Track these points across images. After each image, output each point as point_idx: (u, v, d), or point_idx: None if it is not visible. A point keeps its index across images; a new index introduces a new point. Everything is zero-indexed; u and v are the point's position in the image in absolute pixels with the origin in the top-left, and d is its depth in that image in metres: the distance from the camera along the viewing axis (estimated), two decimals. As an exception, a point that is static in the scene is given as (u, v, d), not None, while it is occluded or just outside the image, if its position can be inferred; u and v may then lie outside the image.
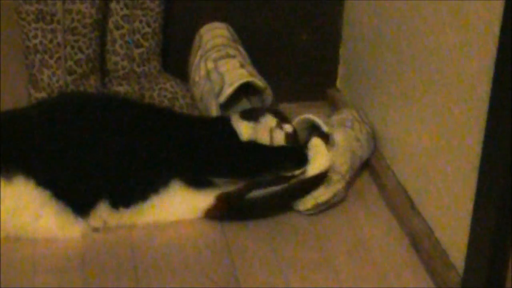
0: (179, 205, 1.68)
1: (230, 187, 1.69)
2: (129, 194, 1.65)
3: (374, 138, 1.88)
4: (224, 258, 1.61)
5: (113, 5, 1.89)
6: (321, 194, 1.71)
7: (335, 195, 1.73)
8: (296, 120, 1.79)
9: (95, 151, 1.64)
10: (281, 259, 1.61)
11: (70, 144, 1.63)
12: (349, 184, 1.78)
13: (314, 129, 1.78)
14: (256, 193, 1.66)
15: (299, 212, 1.73)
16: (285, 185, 1.66)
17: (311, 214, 1.73)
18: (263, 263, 1.60)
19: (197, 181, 1.68)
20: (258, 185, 1.66)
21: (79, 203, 1.62)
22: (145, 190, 1.65)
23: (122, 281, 1.54)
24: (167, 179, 1.66)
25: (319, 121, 1.75)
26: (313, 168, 1.66)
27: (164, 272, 1.57)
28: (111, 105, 1.72)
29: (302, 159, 1.69)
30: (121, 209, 1.65)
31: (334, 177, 1.71)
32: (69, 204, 1.61)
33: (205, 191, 1.69)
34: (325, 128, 1.74)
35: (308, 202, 1.71)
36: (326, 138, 1.72)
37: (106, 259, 1.60)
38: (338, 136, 1.75)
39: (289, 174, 1.65)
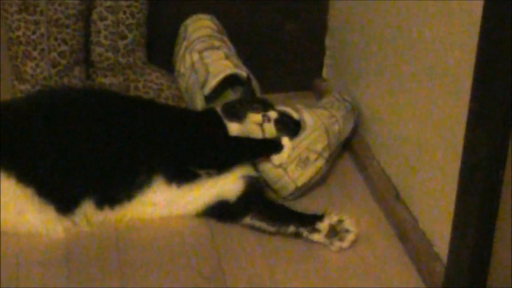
0: (163, 203, 1.66)
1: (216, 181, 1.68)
2: (115, 193, 1.63)
3: (354, 113, 1.88)
4: (210, 251, 1.61)
5: (97, -5, 1.88)
6: (299, 176, 1.71)
7: (315, 174, 1.74)
8: None
9: (79, 149, 1.62)
10: (266, 251, 1.61)
11: (53, 142, 1.61)
12: (329, 161, 1.79)
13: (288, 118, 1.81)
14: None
15: (283, 199, 1.74)
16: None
17: (295, 198, 1.74)
18: (248, 256, 1.60)
19: (178, 176, 1.66)
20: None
21: (62, 202, 1.60)
22: (130, 188, 1.64)
23: (106, 275, 1.54)
24: (150, 175, 1.64)
25: (288, 109, 1.79)
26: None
27: (149, 265, 1.57)
28: (94, 101, 1.70)
29: (277, 147, 1.70)
30: (106, 209, 1.64)
31: (311, 156, 1.72)
32: (52, 202, 1.59)
33: (187, 187, 1.67)
34: (295, 115, 1.78)
35: (289, 186, 1.72)
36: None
37: (90, 253, 1.59)
38: (307, 118, 1.76)
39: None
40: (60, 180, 1.60)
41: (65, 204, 1.60)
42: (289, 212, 1.65)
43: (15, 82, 1.87)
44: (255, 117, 1.74)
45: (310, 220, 1.61)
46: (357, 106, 1.90)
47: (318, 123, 1.77)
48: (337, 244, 1.60)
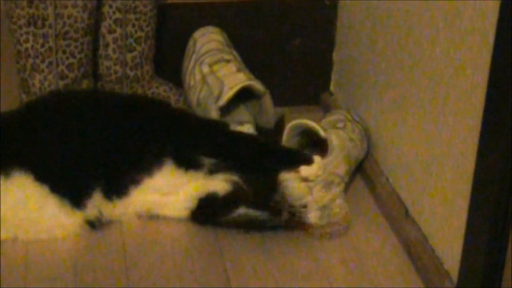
0: (170, 186, 1.69)
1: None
2: (122, 180, 1.67)
3: (367, 137, 1.87)
4: (217, 266, 1.60)
5: (105, 9, 1.88)
6: (321, 198, 1.68)
7: (335, 197, 1.70)
8: (290, 125, 1.76)
9: (88, 141, 1.66)
10: (274, 267, 1.60)
11: (64, 138, 1.66)
12: (346, 186, 1.77)
13: (306, 134, 1.76)
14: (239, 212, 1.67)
15: None
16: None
17: None
18: (256, 271, 1.59)
19: (187, 161, 1.69)
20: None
21: (75, 195, 1.63)
22: (138, 173, 1.67)
23: (113, 283, 1.54)
24: (161, 159, 1.67)
25: (316, 126, 1.71)
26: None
27: (156, 274, 1.56)
28: (102, 98, 1.76)
29: (306, 161, 1.66)
30: (114, 199, 1.66)
31: (335, 180, 1.69)
32: (66, 196, 1.62)
33: (192, 173, 1.70)
34: (322, 133, 1.71)
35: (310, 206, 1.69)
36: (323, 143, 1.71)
37: (98, 267, 1.59)
38: (334, 139, 1.72)
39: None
40: (71, 173, 1.64)
41: (77, 197, 1.63)
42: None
43: (23, 95, 1.87)
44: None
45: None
46: (367, 127, 1.88)
47: (343, 146, 1.74)
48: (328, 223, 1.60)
